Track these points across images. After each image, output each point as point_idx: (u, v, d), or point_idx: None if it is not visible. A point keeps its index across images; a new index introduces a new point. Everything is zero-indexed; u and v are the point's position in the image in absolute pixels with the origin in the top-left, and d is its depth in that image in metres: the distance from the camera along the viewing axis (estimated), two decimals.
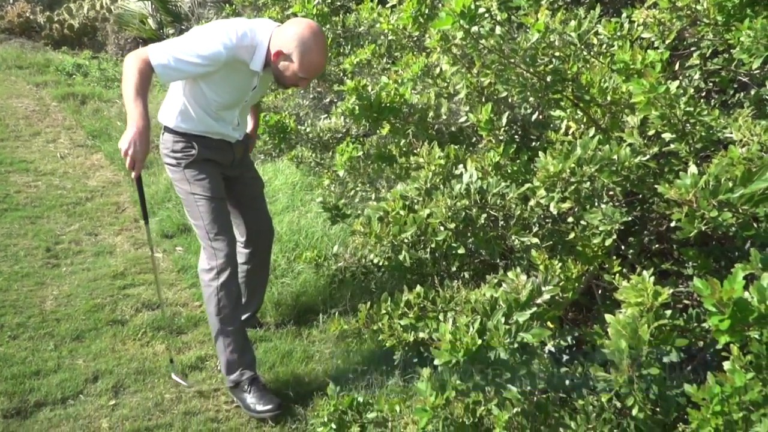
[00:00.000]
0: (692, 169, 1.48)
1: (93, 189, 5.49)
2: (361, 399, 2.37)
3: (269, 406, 2.81)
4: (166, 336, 3.38)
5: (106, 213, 5.04)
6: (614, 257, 2.25)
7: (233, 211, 3.11)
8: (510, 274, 1.87)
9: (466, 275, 2.82)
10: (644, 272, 1.70)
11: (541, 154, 1.99)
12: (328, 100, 5.10)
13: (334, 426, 2.42)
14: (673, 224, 2.33)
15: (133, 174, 2.56)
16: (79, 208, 5.07)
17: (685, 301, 2.35)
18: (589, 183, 1.91)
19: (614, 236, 2.04)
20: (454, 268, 2.79)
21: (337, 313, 3.39)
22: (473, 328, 1.72)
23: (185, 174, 2.82)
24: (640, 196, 2.48)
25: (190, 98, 2.70)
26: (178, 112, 2.75)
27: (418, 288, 2.19)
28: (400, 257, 2.18)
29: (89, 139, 6.73)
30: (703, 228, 1.46)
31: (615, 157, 1.87)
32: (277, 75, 2.63)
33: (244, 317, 3.13)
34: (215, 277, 2.84)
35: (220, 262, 2.84)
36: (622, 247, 2.51)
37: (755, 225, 1.50)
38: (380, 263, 2.39)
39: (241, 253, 3.19)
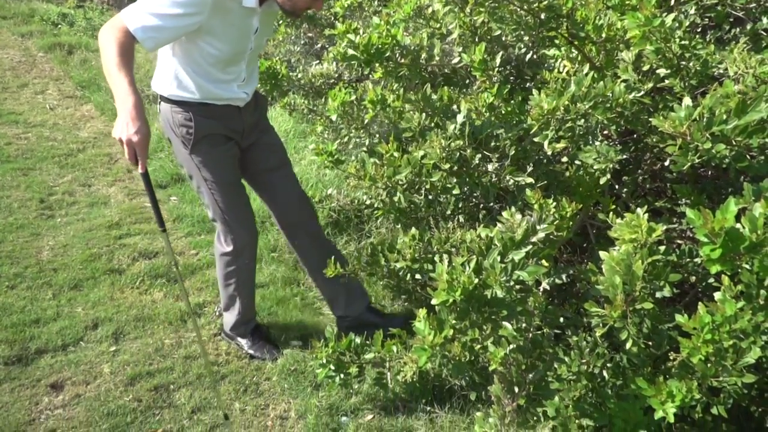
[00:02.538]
0: (686, 101, 1.47)
1: (84, 140, 5.43)
2: (358, 341, 2.42)
3: (266, 357, 2.87)
4: (164, 284, 3.41)
5: (99, 164, 5.01)
6: (609, 196, 2.26)
7: (256, 185, 2.81)
8: (505, 213, 1.88)
9: (461, 218, 2.83)
10: (638, 209, 1.71)
11: (534, 91, 1.97)
12: (319, 45, 5.03)
13: (332, 367, 2.47)
14: (667, 163, 2.34)
15: (138, 169, 2.10)
16: (71, 159, 5.03)
17: (678, 241, 2.38)
18: (583, 120, 1.90)
19: (609, 175, 2.04)
20: (449, 212, 2.79)
21: (333, 257, 3.41)
22: (469, 267, 1.73)
23: (192, 159, 2.49)
24: (635, 135, 2.47)
25: (182, 60, 2.33)
26: (172, 77, 2.37)
27: (414, 230, 2.20)
28: (395, 199, 2.18)
29: (78, 90, 6.63)
30: (697, 161, 1.46)
31: (609, 93, 1.86)
32: (283, 6, 2.28)
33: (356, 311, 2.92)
34: (232, 261, 2.74)
35: (239, 248, 2.69)
36: (616, 187, 2.52)
37: (748, 157, 1.50)
38: (375, 205, 2.40)
39: (283, 231, 2.92)
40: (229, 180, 2.57)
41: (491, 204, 2.73)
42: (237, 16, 2.23)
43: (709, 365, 1.48)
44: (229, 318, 2.93)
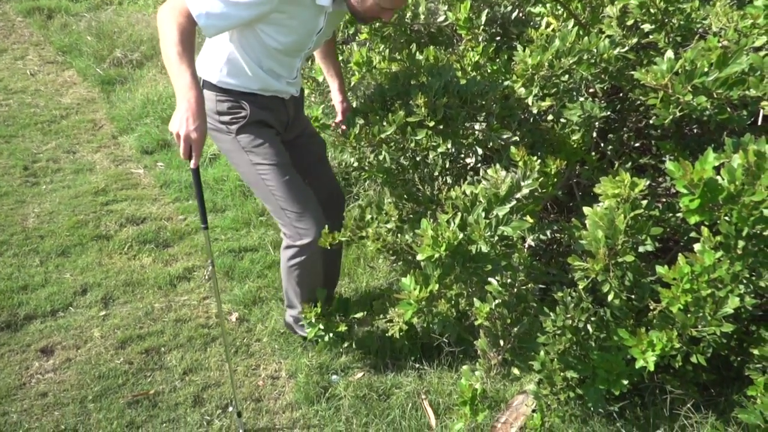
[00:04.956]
0: (668, 54, 1.47)
1: (67, 106, 5.37)
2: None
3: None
4: (153, 249, 3.41)
5: (83, 130, 4.96)
6: (594, 154, 2.27)
7: (303, 174, 2.55)
8: (490, 170, 1.89)
9: (448, 179, 2.84)
10: (622, 165, 1.72)
11: (519, 47, 1.97)
12: None
13: (321, 326, 2.50)
14: (652, 120, 2.36)
15: (190, 164, 2.00)
16: (54, 126, 4.98)
17: (663, 199, 2.40)
18: (567, 76, 1.90)
19: (594, 132, 2.05)
20: (436, 173, 2.80)
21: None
22: (454, 223, 1.75)
23: (238, 142, 2.32)
24: (620, 94, 2.48)
25: (239, 48, 2.19)
26: (223, 63, 2.23)
27: (401, 190, 2.21)
28: (380, 158, 2.19)
29: (59, 56, 6.53)
30: (678, 114, 1.47)
31: (594, 48, 1.86)
32: (354, 7, 2.17)
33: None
34: (297, 254, 2.46)
35: (307, 242, 2.39)
36: (602, 145, 2.53)
37: (729, 109, 1.51)
38: (363, 166, 2.40)
39: None
40: (281, 161, 2.36)
41: (478, 165, 2.74)
42: (306, 11, 2.12)
43: (688, 315, 1.51)
44: (292, 310, 2.70)
